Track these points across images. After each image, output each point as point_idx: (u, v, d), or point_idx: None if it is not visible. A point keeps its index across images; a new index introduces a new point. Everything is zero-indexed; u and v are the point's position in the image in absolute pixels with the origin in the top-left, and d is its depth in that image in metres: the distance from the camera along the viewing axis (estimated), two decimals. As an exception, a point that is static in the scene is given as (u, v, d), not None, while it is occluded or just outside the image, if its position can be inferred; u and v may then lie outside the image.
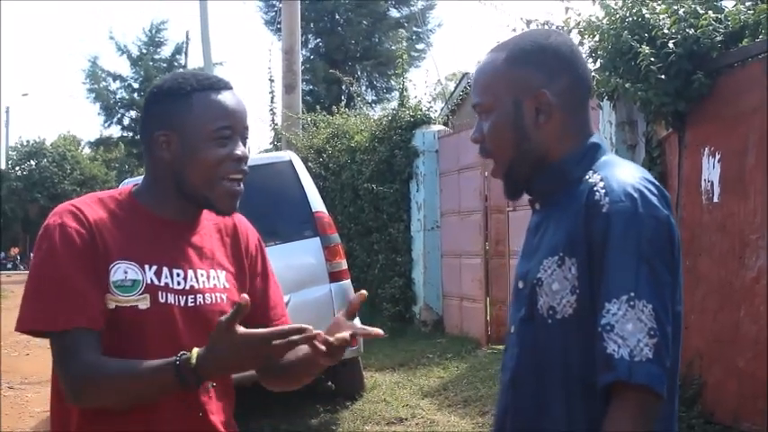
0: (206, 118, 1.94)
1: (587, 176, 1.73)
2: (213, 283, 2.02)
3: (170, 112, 1.96)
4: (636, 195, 1.64)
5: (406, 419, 6.63)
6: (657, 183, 1.73)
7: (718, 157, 5.35)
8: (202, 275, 2.00)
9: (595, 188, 1.68)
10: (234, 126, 1.96)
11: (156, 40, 37.03)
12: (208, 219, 2.08)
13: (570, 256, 1.68)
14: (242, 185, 1.99)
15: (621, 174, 1.70)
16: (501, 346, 8.81)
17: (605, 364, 1.59)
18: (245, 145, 2.00)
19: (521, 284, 1.81)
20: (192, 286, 1.97)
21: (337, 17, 26.90)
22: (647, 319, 1.58)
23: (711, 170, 5.40)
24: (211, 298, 2.00)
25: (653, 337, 1.58)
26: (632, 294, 1.59)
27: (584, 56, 1.85)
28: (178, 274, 1.96)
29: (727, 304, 5.25)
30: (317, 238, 6.69)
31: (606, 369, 1.59)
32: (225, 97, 1.98)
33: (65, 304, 1.84)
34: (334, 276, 6.70)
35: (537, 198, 1.86)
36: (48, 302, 1.86)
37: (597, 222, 1.64)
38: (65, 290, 1.85)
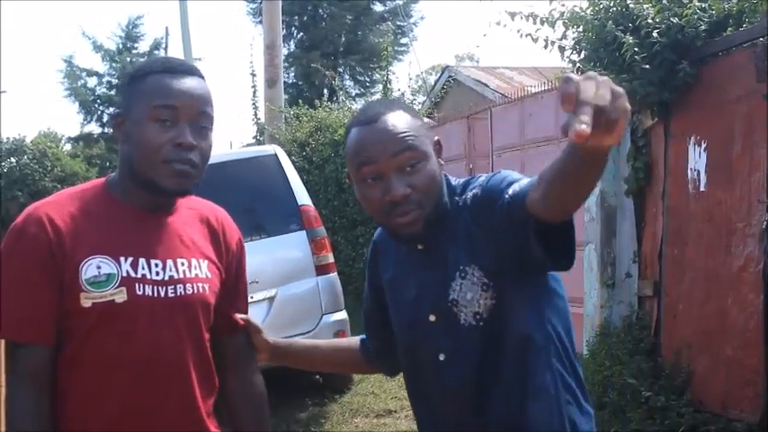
0: (149, 96, 1.87)
1: (464, 196, 1.89)
2: (195, 272, 1.95)
3: (125, 93, 1.93)
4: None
5: (395, 411, 6.62)
6: None
7: (704, 145, 5.36)
8: (183, 264, 1.93)
9: (469, 190, 1.89)
10: (179, 108, 1.86)
11: (134, 35, 36.65)
12: (188, 208, 2.02)
13: (469, 263, 1.82)
14: (192, 167, 1.88)
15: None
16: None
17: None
18: (203, 135, 1.90)
19: (432, 318, 1.89)
20: (171, 276, 1.90)
21: (320, 11, 26.75)
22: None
23: (698, 159, 5.40)
24: (193, 288, 1.93)
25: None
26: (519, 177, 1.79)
27: None
28: (156, 265, 1.89)
29: (715, 293, 5.26)
30: (304, 232, 6.64)
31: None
32: (179, 79, 1.88)
33: (9, 314, 1.83)
34: (321, 269, 6.67)
35: (426, 237, 1.89)
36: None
37: (478, 198, 1.84)
38: (12, 300, 1.83)
